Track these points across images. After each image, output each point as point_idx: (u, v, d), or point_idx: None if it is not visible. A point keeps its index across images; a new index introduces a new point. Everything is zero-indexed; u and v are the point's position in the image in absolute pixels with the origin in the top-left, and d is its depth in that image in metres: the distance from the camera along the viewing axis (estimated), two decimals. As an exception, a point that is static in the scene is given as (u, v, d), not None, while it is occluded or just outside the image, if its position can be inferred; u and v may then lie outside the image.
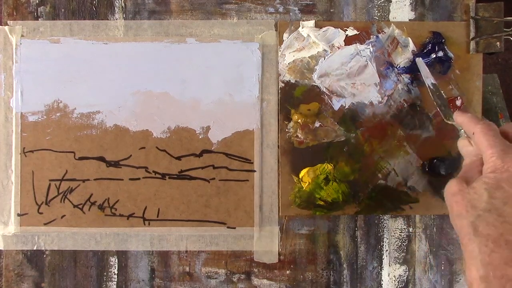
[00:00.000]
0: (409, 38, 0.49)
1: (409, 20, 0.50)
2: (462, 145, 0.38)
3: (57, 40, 0.50)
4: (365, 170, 0.50)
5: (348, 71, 0.49)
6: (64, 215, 0.50)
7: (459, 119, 0.38)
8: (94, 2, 0.50)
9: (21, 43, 0.50)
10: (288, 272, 0.50)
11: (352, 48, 0.49)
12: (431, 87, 0.46)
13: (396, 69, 0.49)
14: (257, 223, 0.50)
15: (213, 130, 0.50)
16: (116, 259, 0.50)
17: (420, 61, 0.48)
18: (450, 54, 0.49)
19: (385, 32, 0.49)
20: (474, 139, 0.35)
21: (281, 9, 0.50)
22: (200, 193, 0.50)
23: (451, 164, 0.48)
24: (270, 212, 0.50)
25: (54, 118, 0.50)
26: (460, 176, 0.34)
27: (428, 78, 0.46)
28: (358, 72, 0.49)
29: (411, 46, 0.49)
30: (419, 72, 0.48)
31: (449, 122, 0.43)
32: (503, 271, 0.28)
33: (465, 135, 0.38)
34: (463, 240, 0.31)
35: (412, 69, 0.49)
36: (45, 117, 0.50)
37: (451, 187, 0.33)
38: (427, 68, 0.47)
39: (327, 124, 0.49)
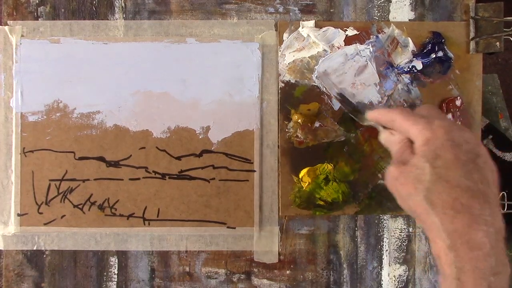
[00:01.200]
0: (409, 38, 0.49)
1: (409, 20, 0.50)
2: (385, 137, 0.38)
3: (57, 40, 0.50)
4: (365, 170, 0.50)
5: (348, 71, 0.49)
6: (64, 215, 0.50)
7: (374, 115, 0.38)
8: (94, 2, 0.50)
9: (21, 43, 0.50)
10: (288, 272, 0.50)
11: (352, 48, 0.49)
12: (338, 97, 0.47)
13: (396, 69, 0.50)
14: (257, 223, 0.50)
15: (213, 130, 0.50)
16: (116, 259, 0.50)
17: (321, 76, 0.48)
18: (450, 54, 0.49)
19: (385, 32, 0.50)
20: (395, 126, 0.35)
21: (281, 9, 0.51)
22: (200, 193, 0.50)
23: None
24: (270, 212, 0.50)
25: (54, 118, 0.50)
26: (396, 161, 0.34)
27: (332, 89, 0.47)
28: (358, 72, 0.49)
29: (411, 46, 0.49)
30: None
31: (366, 124, 0.43)
32: (468, 235, 0.28)
33: (383, 128, 0.38)
34: (421, 216, 0.31)
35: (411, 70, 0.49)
36: (45, 117, 0.50)
37: (391, 172, 0.33)
38: (329, 80, 0.48)
39: (327, 124, 0.49)
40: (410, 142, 0.34)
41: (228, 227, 0.50)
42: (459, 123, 0.47)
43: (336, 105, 0.50)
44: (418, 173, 0.31)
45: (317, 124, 0.49)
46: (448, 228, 0.29)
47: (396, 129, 0.36)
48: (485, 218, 0.28)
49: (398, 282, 0.50)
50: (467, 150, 0.30)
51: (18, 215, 0.50)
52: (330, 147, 0.50)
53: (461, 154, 0.30)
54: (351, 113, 0.47)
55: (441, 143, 0.31)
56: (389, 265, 0.51)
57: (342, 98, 0.47)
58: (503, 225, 0.29)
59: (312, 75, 0.50)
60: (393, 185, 0.33)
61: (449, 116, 0.49)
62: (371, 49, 0.49)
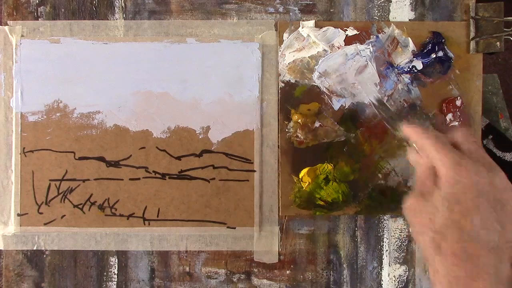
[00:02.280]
0: (409, 38, 0.49)
1: (409, 20, 0.50)
2: (413, 158, 0.36)
3: (57, 40, 0.50)
4: (365, 170, 0.50)
5: (348, 71, 0.49)
6: (64, 215, 0.50)
7: (407, 131, 0.37)
8: (94, 2, 0.50)
9: (21, 43, 0.50)
10: (288, 272, 0.50)
11: (352, 48, 0.49)
12: (375, 103, 0.46)
13: (396, 69, 0.50)
14: (257, 223, 0.50)
15: (213, 130, 0.50)
16: (116, 259, 0.50)
17: (359, 78, 0.48)
18: (450, 54, 0.49)
19: (385, 32, 0.50)
20: (425, 151, 0.34)
21: (281, 9, 0.51)
22: (200, 193, 0.50)
23: None
24: (270, 212, 0.50)
25: (54, 118, 0.50)
26: (416, 191, 0.33)
27: (370, 94, 0.47)
28: (358, 72, 0.49)
29: (411, 46, 0.49)
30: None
31: (398, 135, 0.43)
32: (468, 285, 0.28)
33: (414, 146, 0.37)
34: (427, 256, 0.31)
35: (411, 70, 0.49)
36: (45, 117, 0.50)
37: (410, 204, 0.33)
38: (367, 85, 0.47)
39: (327, 124, 0.49)
40: (435, 171, 0.33)
41: (228, 227, 0.50)
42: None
43: (336, 105, 0.50)
44: (433, 212, 0.30)
45: (317, 124, 0.49)
46: (450, 275, 0.29)
47: (425, 154, 0.34)
48: (489, 270, 0.28)
49: (398, 282, 0.50)
50: (492, 198, 0.29)
51: (18, 215, 0.50)
52: (330, 147, 0.50)
53: (484, 201, 0.29)
54: (386, 121, 0.46)
55: (464, 188, 0.29)
56: (389, 265, 0.51)
57: (380, 104, 0.46)
58: (510, 274, 0.28)
59: (313, 75, 0.50)
60: (409, 216, 0.33)
61: (449, 116, 0.49)
62: (371, 49, 0.49)
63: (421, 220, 0.31)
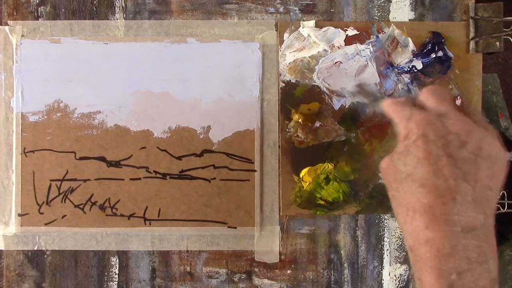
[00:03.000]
0: (409, 38, 0.49)
1: (409, 20, 0.50)
2: (395, 128, 0.36)
3: (57, 40, 0.50)
4: (365, 169, 0.50)
5: (348, 71, 0.49)
6: (65, 215, 0.50)
7: (383, 107, 0.36)
8: (95, 2, 0.50)
9: (21, 43, 0.50)
10: (289, 271, 0.50)
11: (352, 48, 0.49)
12: (357, 89, 0.46)
13: (396, 69, 0.50)
14: (258, 223, 0.50)
15: (214, 130, 0.50)
16: (117, 259, 0.50)
17: (333, 72, 0.48)
18: (450, 54, 0.50)
19: (385, 32, 0.50)
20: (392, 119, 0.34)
21: (281, 9, 0.51)
22: (201, 193, 0.50)
23: None
24: (271, 212, 0.50)
25: (54, 118, 0.50)
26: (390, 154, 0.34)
27: (348, 83, 0.47)
28: (358, 72, 0.49)
29: (411, 46, 0.49)
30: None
31: (381, 112, 0.42)
32: (425, 236, 0.27)
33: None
34: (395, 215, 0.31)
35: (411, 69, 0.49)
36: (45, 117, 0.50)
37: (381, 165, 0.33)
38: (345, 79, 0.47)
39: (327, 124, 0.50)
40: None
41: (229, 227, 0.50)
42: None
43: (337, 104, 0.50)
44: (394, 171, 0.30)
45: (317, 124, 0.49)
46: (408, 229, 0.28)
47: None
48: (448, 218, 0.27)
49: (399, 282, 0.51)
50: (444, 143, 0.28)
51: (19, 215, 0.50)
52: (330, 147, 0.50)
53: (433, 149, 0.28)
54: (371, 103, 0.45)
55: (414, 139, 0.29)
56: (390, 265, 0.51)
57: (361, 89, 0.45)
58: (479, 221, 0.27)
59: (313, 75, 0.50)
60: (382, 178, 0.33)
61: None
62: (371, 49, 0.49)
63: (387, 180, 0.31)
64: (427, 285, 0.27)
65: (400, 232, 0.51)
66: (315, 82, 0.50)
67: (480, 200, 0.28)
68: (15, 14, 0.50)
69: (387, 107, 0.34)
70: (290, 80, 0.50)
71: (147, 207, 0.50)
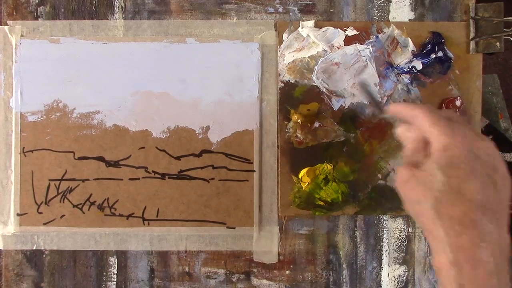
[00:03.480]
0: (409, 38, 0.49)
1: (409, 20, 0.50)
2: (402, 131, 0.35)
3: (57, 40, 0.50)
4: (364, 170, 0.50)
5: (348, 71, 0.49)
6: (64, 215, 0.50)
7: (396, 108, 0.36)
8: (94, 2, 0.50)
9: (21, 43, 0.50)
10: (287, 272, 0.50)
11: (352, 48, 0.49)
12: (359, 86, 0.45)
13: (396, 69, 0.49)
14: (257, 223, 0.50)
15: (213, 130, 0.50)
16: (116, 259, 0.50)
17: (339, 65, 0.47)
18: (450, 54, 0.49)
19: (384, 32, 0.49)
20: (416, 122, 0.33)
21: (280, 9, 0.50)
22: (200, 193, 0.50)
23: None
24: (270, 212, 0.50)
25: (53, 118, 0.50)
26: (407, 162, 0.33)
27: (357, 76, 0.46)
28: (358, 72, 0.49)
29: (411, 46, 0.49)
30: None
31: (383, 116, 0.42)
32: (473, 253, 0.27)
33: (401, 123, 0.36)
34: (427, 226, 0.30)
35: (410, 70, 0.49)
36: (44, 117, 0.50)
37: (402, 175, 0.32)
38: (349, 68, 0.47)
39: (326, 124, 0.49)
40: (426, 143, 0.32)
41: (227, 227, 0.50)
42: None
43: (336, 105, 0.50)
44: (429, 180, 0.29)
45: (316, 124, 0.49)
46: (453, 243, 0.28)
47: (416, 126, 0.34)
48: (492, 236, 0.27)
49: (397, 283, 0.50)
50: (485, 163, 0.29)
51: (18, 215, 0.50)
52: (329, 147, 0.49)
53: (478, 166, 0.28)
54: (370, 103, 0.45)
55: (459, 151, 0.29)
56: (389, 266, 0.50)
57: (363, 87, 0.45)
58: (509, 244, 0.28)
59: (312, 75, 0.50)
60: (402, 188, 0.32)
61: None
62: (371, 49, 0.49)
63: (416, 190, 0.30)
64: None
65: (404, 233, 0.50)
66: (314, 83, 0.49)
67: (506, 222, 0.29)
68: (14, 14, 0.50)
69: (413, 110, 0.33)
70: (289, 80, 0.50)
71: (145, 207, 0.50)
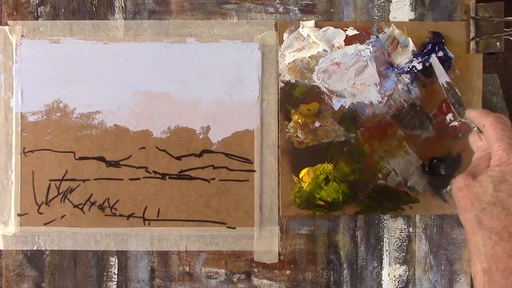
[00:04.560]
0: (409, 38, 0.49)
1: (409, 20, 0.50)
2: (473, 140, 0.37)
3: (57, 40, 0.50)
4: (365, 170, 0.50)
5: (348, 71, 0.49)
6: (64, 215, 0.50)
7: (471, 114, 0.38)
8: (94, 2, 0.50)
9: (21, 43, 0.50)
10: (288, 272, 0.50)
11: (352, 48, 0.49)
12: (446, 86, 0.45)
13: (396, 69, 0.50)
14: (257, 223, 0.50)
15: (213, 130, 0.50)
16: (116, 259, 0.50)
17: (434, 60, 0.48)
18: (450, 54, 0.49)
19: (385, 32, 0.49)
20: (484, 133, 0.34)
21: (281, 9, 0.51)
22: (200, 193, 0.50)
23: (450, 164, 0.48)
24: (270, 212, 0.50)
25: (54, 118, 0.50)
26: (468, 171, 0.34)
27: (442, 76, 0.46)
28: (358, 72, 0.49)
29: (411, 46, 0.49)
30: (432, 71, 0.48)
31: (463, 120, 0.42)
32: (506, 264, 0.28)
33: (477, 131, 0.38)
34: (468, 234, 0.31)
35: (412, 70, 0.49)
36: (45, 117, 0.50)
37: (458, 182, 0.33)
38: (441, 67, 0.47)
39: (327, 124, 0.49)
40: (490, 155, 0.34)
41: (228, 227, 0.50)
42: None
43: (336, 105, 0.50)
44: (480, 191, 0.31)
45: (317, 124, 0.49)
46: (488, 252, 0.29)
47: (484, 136, 0.35)
48: None
49: (398, 282, 0.50)
50: None
51: (18, 215, 0.50)
52: (330, 147, 0.50)
53: None
54: (453, 105, 0.45)
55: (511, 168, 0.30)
56: (389, 265, 0.51)
57: (450, 87, 0.45)
58: None
59: (313, 75, 0.50)
60: (456, 194, 0.33)
61: (449, 116, 0.49)
62: (371, 49, 0.49)
63: (467, 198, 0.31)
64: None
65: (404, 233, 0.51)
66: (314, 82, 0.49)
67: None
68: (15, 14, 0.50)
69: (485, 119, 0.34)
70: (289, 80, 0.50)
71: (146, 207, 0.50)
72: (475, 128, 0.39)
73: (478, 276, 0.29)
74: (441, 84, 0.46)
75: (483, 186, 0.31)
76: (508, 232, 0.29)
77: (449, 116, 0.49)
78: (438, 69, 0.47)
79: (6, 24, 0.50)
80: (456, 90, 0.45)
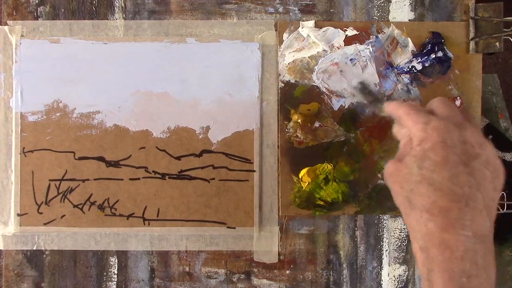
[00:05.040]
0: (409, 38, 0.49)
1: (409, 20, 0.50)
2: (396, 130, 0.38)
3: (57, 40, 0.50)
4: (365, 170, 0.50)
5: (348, 71, 0.49)
6: (64, 215, 0.50)
7: (387, 108, 0.38)
8: (94, 2, 0.50)
9: (21, 43, 0.50)
10: (287, 272, 0.50)
11: (352, 48, 0.49)
12: (359, 86, 0.46)
13: (395, 70, 0.50)
14: (257, 223, 0.50)
15: (213, 130, 0.50)
16: (116, 259, 0.50)
17: (341, 66, 0.48)
18: (450, 54, 0.49)
19: (384, 32, 0.50)
20: (402, 122, 0.35)
21: (281, 9, 0.51)
22: (200, 193, 0.50)
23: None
24: (270, 212, 0.50)
25: (54, 118, 0.50)
26: (396, 157, 0.34)
27: (353, 79, 0.47)
28: (358, 73, 0.49)
29: (411, 46, 0.49)
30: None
31: (383, 114, 0.43)
32: (440, 238, 0.28)
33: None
34: (404, 217, 0.31)
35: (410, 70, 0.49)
36: (45, 117, 0.50)
37: (388, 168, 0.33)
38: (352, 71, 0.47)
39: (326, 124, 0.49)
40: None
41: (228, 227, 0.50)
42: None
43: (336, 105, 0.50)
44: (406, 172, 0.31)
45: (317, 124, 0.49)
46: (421, 230, 0.29)
47: (403, 124, 0.36)
48: (463, 222, 0.28)
49: (398, 282, 0.50)
50: (461, 152, 0.30)
51: (18, 215, 0.50)
52: (330, 147, 0.50)
53: (451, 155, 0.29)
54: (370, 103, 0.46)
55: (432, 144, 0.30)
56: (389, 265, 0.51)
57: (363, 87, 0.46)
58: (487, 229, 0.29)
59: (312, 75, 0.50)
60: (388, 180, 0.33)
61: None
62: (371, 49, 0.49)
63: (397, 181, 0.32)
64: (438, 286, 0.28)
65: (404, 233, 0.51)
66: (314, 83, 0.50)
67: (487, 209, 0.29)
68: (14, 14, 0.50)
69: (398, 109, 0.35)
70: (289, 80, 0.50)
71: (146, 207, 0.50)
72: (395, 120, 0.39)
73: (418, 255, 0.30)
74: (353, 87, 0.46)
75: (409, 167, 0.31)
76: (437, 207, 0.29)
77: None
78: (349, 74, 0.47)
79: (6, 24, 0.50)
80: (370, 87, 0.45)
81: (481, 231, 0.28)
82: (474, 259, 0.28)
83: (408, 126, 0.34)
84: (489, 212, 0.29)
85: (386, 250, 0.51)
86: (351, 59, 0.49)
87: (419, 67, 0.49)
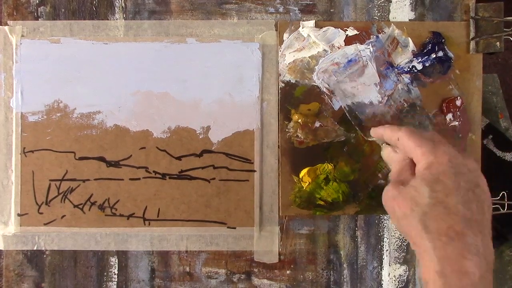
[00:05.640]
0: (409, 38, 0.49)
1: (409, 20, 0.50)
2: (387, 154, 0.38)
3: (57, 40, 0.50)
4: (365, 170, 0.50)
5: (348, 71, 0.49)
6: (64, 215, 0.50)
7: (379, 131, 0.39)
8: (94, 2, 0.50)
9: (21, 43, 0.50)
10: (288, 272, 0.50)
11: (352, 48, 0.49)
12: (347, 109, 0.48)
13: (396, 69, 0.50)
14: (257, 223, 0.50)
15: (213, 130, 0.50)
16: (116, 259, 0.50)
17: (335, 85, 0.49)
18: (450, 54, 0.49)
19: (385, 32, 0.50)
20: (399, 144, 0.35)
21: (281, 9, 0.51)
22: (200, 193, 0.50)
23: None
24: (270, 212, 0.50)
25: (54, 118, 0.50)
26: (394, 181, 0.34)
27: (342, 100, 0.48)
28: (358, 73, 0.49)
29: (411, 46, 0.49)
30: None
31: (369, 139, 0.45)
32: (459, 264, 0.28)
33: (387, 145, 0.39)
34: (414, 239, 0.31)
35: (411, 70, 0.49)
36: (45, 117, 0.50)
37: (389, 192, 0.34)
38: (340, 90, 0.48)
39: (327, 124, 0.49)
40: (411, 163, 0.35)
41: (228, 227, 0.50)
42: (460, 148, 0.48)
43: (336, 105, 0.50)
44: (416, 195, 0.31)
45: (317, 124, 0.49)
46: (439, 254, 0.29)
47: (400, 148, 0.36)
48: (478, 248, 0.28)
49: (398, 282, 0.50)
50: (468, 179, 0.31)
51: (18, 215, 0.50)
52: (330, 147, 0.50)
53: (462, 182, 0.30)
54: (357, 126, 0.48)
55: (443, 169, 0.31)
56: (390, 265, 0.51)
57: (351, 110, 0.47)
58: (493, 256, 0.29)
59: (313, 75, 0.50)
60: (390, 204, 0.33)
61: (449, 116, 0.50)
62: (371, 49, 0.49)
63: (404, 205, 0.32)
64: None
65: (404, 243, 0.51)
66: (314, 82, 0.50)
67: (490, 235, 0.30)
68: (15, 14, 0.50)
69: (396, 133, 0.36)
70: (289, 80, 0.50)
71: (146, 207, 0.50)
72: (384, 144, 0.40)
73: (431, 280, 0.29)
74: (343, 107, 0.48)
75: (418, 190, 0.31)
76: (454, 231, 0.29)
77: (449, 116, 0.49)
78: (340, 94, 0.48)
79: (6, 24, 0.50)
80: (357, 113, 0.46)
81: (491, 257, 0.29)
82: (486, 286, 0.28)
83: (408, 149, 0.34)
84: (491, 237, 0.30)
85: (387, 250, 0.51)
86: (349, 60, 0.49)
87: (419, 67, 0.49)
